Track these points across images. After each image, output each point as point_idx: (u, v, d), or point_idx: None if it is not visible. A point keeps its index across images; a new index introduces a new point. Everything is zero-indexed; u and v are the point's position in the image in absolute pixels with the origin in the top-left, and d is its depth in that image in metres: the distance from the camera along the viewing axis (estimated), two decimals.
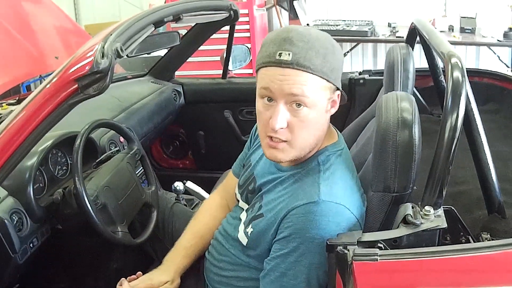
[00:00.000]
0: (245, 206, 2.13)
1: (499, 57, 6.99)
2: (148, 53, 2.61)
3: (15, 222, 2.23)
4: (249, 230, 1.97)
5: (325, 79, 1.73)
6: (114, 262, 2.99)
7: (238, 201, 2.22)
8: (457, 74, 1.68)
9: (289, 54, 1.68)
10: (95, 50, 1.79)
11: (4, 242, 2.18)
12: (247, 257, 2.02)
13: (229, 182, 2.45)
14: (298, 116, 1.73)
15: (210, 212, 2.44)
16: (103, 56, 1.78)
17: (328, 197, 1.75)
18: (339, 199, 1.76)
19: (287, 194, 1.87)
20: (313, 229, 1.72)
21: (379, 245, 1.57)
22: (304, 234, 1.73)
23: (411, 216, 1.59)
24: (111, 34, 1.88)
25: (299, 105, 1.71)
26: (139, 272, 2.24)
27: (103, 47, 1.80)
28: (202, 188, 3.36)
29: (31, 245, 2.32)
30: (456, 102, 1.63)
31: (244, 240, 2.00)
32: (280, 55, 1.69)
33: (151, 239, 2.63)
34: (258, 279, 1.92)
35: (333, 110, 1.86)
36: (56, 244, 2.59)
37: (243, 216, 2.10)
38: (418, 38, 2.99)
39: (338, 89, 1.82)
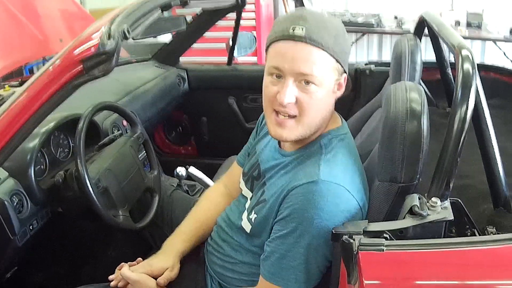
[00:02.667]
0: (249, 195, 2.11)
1: (504, 53, 6.98)
2: (154, 37, 2.59)
3: (15, 203, 2.22)
4: (253, 216, 1.97)
5: (335, 59, 1.75)
6: (112, 250, 2.98)
7: (242, 189, 2.20)
8: (467, 66, 1.67)
9: (302, 29, 1.70)
10: (102, 31, 1.77)
11: (3, 223, 2.16)
12: (251, 245, 2.02)
13: (233, 171, 2.44)
14: (306, 93, 1.75)
15: (212, 200, 2.44)
16: (109, 38, 1.76)
17: (327, 177, 1.74)
18: (338, 179, 1.75)
19: (289, 176, 1.87)
20: (311, 209, 1.71)
21: (385, 235, 1.56)
22: (303, 214, 1.72)
23: (418, 207, 1.59)
24: (118, 16, 1.86)
25: (307, 82, 1.73)
26: (139, 258, 2.23)
27: (110, 29, 1.78)
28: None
29: (31, 227, 2.31)
30: (466, 94, 1.62)
31: (247, 227, 2.00)
32: (293, 29, 1.71)
33: (150, 226, 2.61)
34: None
35: (339, 93, 1.87)
36: (56, 227, 2.57)
37: (247, 204, 2.09)
38: (425, 31, 2.98)
39: (345, 72, 1.84)
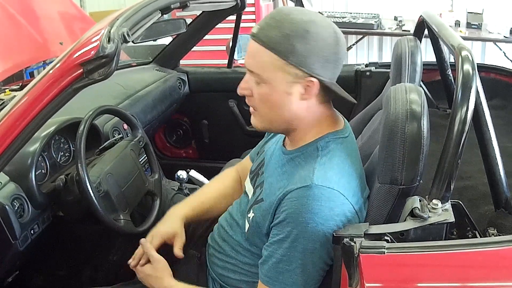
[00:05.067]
0: (251, 192, 2.12)
1: (505, 53, 6.97)
2: (154, 40, 2.58)
3: (16, 208, 2.21)
4: (251, 215, 1.98)
5: (282, 59, 1.72)
6: (114, 254, 2.98)
7: (246, 187, 2.21)
8: (467, 67, 1.67)
9: (258, 27, 1.76)
10: (101, 35, 1.77)
11: (4, 228, 2.16)
12: (249, 244, 2.02)
13: (245, 162, 2.49)
14: (258, 89, 1.81)
15: (223, 181, 2.50)
16: (109, 41, 1.76)
17: (321, 181, 1.74)
18: (332, 184, 1.74)
19: (285, 178, 1.88)
20: (306, 213, 1.71)
21: (386, 238, 1.56)
22: (297, 219, 1.72)
23: (419, 209, 1.58)
24: (118, 19, 1.86)
25: (258, 79, 1.79)
26: (146, 243, 2.23)
27: (110, 32, 1.78)
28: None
29: (32, 231, 2.31)
30: (466, 95, 1.61)
31: (246, 226, 2.01)
32: (254, 28, 1.78)
33: (151, 230, 2.60)
34: None
35: (306, 97, 1.80)
36: (57, 231, 2.57)
37: (248, 202, 2.10)
38: (425, 32, 2.98)
39: (312, 76, 1.75)
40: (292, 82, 1.77)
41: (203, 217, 2.37)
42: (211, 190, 2.46)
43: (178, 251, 2.18)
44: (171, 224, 2.26)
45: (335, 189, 1.74)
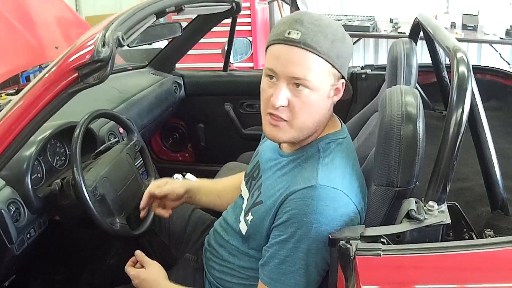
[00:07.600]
0: (247, 195, 2.12)
1: (500, 54, 6.98)
2: (149, 44, 2.58)
3: (12, 212, 2.21)
4: (249, 218, 1.97)
5: (330, 63, 1.73)
6: (110, 258, 2.97)
7: (242, 190, 2.20)
8: (462, 68, 1.67)
9: (297, 33, 1.70)
10: (96, 39, 1.77)
11: (0, 232, 2.15)
12: (247, 247, 2.02)
13: None
14: (299, 97, 1.74)
15: (234, 176, 2.55)
16: (104, 45, 1.76)
17: (326, 182, 1.74)
18: (337, 184, 1.75)
19: (286, 180, 1.87)
20: (310, 214, 1.71)
21: (382, 240, 1.55)
22: (302, 219, 1.72)
23: (415, 211, 1.58)
24: (113, 23, 1.86)
25: (301, 86, 1.73)
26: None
27: (104, 36, 1.78)
28: None
29: (28, 236, 2.30)
30: (461, 97, 1.61)
31: (244, 229, 2.01)
32: (289, 33, 1.71)
33: (147, 233, 2.60)
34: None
35: (336, 98, 1.85)
36: (53, 236, 2.57)
37: (244, 205, 2.10)
38: (421, 34, 2.98)
39: (343, 77, 1.82)
40: (332, 85, 1.80)
41: (205, 202, 2.48)
42: (220, 185, 2.52)
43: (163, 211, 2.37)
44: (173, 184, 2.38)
45: (339, 190, 1.74)
